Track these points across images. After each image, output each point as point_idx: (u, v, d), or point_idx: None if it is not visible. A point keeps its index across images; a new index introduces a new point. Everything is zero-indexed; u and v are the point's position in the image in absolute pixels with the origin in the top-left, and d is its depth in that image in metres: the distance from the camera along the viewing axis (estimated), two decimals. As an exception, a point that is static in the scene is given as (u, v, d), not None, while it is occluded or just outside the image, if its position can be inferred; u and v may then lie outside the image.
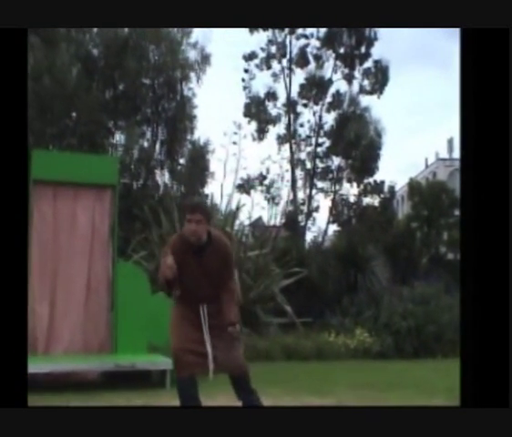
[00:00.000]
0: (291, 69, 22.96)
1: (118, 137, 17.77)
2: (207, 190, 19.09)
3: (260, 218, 19.90)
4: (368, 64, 22.45)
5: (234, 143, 24.03)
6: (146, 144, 17.76)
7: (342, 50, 22.39)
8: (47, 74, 15.80)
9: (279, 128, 23.37)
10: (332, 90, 22.69)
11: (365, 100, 22.66)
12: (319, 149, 22.82)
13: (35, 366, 8.19)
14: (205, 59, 18.08)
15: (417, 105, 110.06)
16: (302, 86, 22.87)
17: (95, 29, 17.77)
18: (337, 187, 22.74)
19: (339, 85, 22.78)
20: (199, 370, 5.50)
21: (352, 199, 22.70)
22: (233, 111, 37.64)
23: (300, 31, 22.44)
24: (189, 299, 5.57)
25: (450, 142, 56.68)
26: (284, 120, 23.25)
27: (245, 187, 22.87)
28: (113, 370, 8.51)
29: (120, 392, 7.88)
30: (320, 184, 22.93)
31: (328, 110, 22.83)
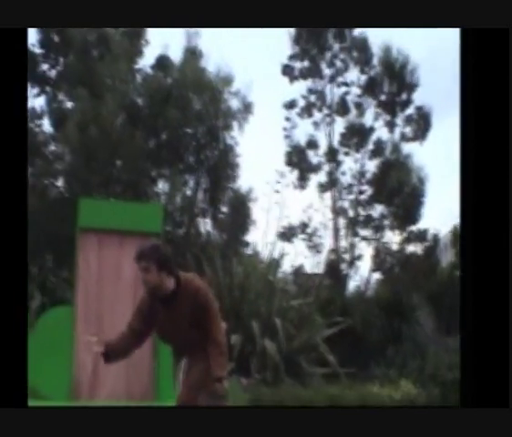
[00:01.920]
0: (331, 117, 23.01)
1: (162, 186, 17.93)
2: (249, 238, 19.14)
3: (302, 267, 19.82)
4: (410, 110, 22.37)
5: (276, 191, 24.15)
6: (189, 192, 17.90)
7: (383, 97, 22.36)
8: (93, 124, 16.07)
9: (320, 176, 23.37)
10: (373, 137, 22.64)
11: (408, 147, 22.53)
12: (361, 197, 22.73)
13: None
14: (247, 108, 18.22)
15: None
16: (343, 134, 22.89)
17: (139, 79, 18.07)
18: (380, 235, 22.56)
19: (380, 132, 22.72)
20: None
21: (395, 247, 22.48)
22: (275, 159, 37.72)
23: (340, 79, 22.53)
24: (172, 351, 5.23)
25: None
26: (326, 168, 23.24)
27: (287, 235, 22.82)
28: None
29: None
30: (362, 232, 22.78)
31: (370, 158, 22.77)
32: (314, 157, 23.32)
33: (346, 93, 22.84)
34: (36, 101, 19.85)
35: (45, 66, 19.46)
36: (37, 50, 18.84)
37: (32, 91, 20.10)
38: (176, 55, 18.47)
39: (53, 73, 19.51)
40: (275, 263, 15.73)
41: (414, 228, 22.13)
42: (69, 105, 18.78)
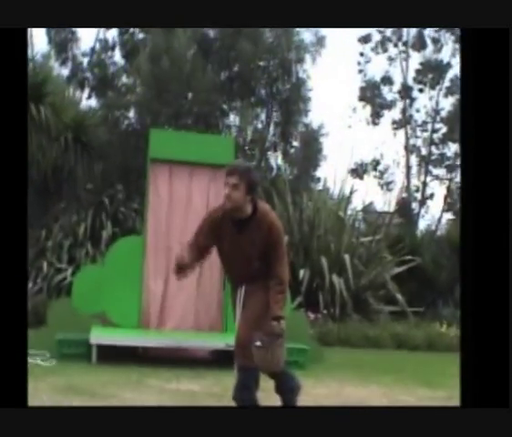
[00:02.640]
0: (407, 53, 22.49)
1: (233, 118, 17.89)
2: (320, 174, 19.01)
3: (372, 204, 19.63)
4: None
5: (349, 127, 23.83)
6: (260, 125, 17.81)
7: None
8: (165, 56, 16.07)
9: (394, 113, 22.99)
10: (449, 74, 22.07)
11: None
12: (435, 135, 22.30)
13: (148, 340, 8.35)
14: (320, 41, 17.92)
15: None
16: (418, 70, 22.38)
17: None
18: (453, 174, 22.14)
19: (457, 69, 22.10)
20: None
21: (468, 188, 22.04)
22: (348, 95, 37.22)
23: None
24: (230, 279, 5.23)
25: None
26: (400, 105, 22.84)
27: (359, 172, 22.65)
28: (223, 350, 8.56)
29: (228, 371, 7.90)
30: (435, 171, 22.42)
31: (445, 95, 22.23)
32: (388, 93, 22.95)
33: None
34: (108, 33, 19.96)
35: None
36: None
37: (105, 22, 20.20)
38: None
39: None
40: (346, 199, 15.62)
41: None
42: (141, 36, 18.82)
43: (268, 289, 4.93)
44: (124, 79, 18.92)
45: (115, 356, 7.88)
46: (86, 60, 19.91)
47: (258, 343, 4.81)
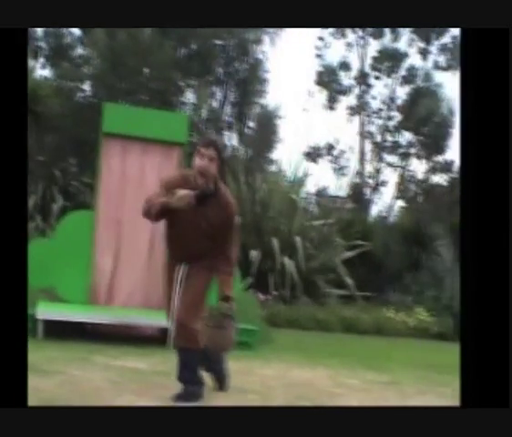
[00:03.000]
0: (365, 40, 22.61)
1: (189, 96, 17.78)
2: (274, 156, 19.03)
3: (325, 188, 19.75)
4: (445, 39, 21.94)
5: (305, 110, 23.89)
6: (215, 104, 17.74)
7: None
8: (123, 29, 15.88)
9: (350, 99, 23.12)
10: (406, 64, 22.27)
11: (440, 76, 22.18)
12: (389, 123, 22.50)
13: (96, 317, 8.28)
14: (279, 23, 17.87)
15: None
16: (375, 57, 22.53)
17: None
18: (406, 162, 22.39)
19: (414, 59, 22.31)
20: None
21: (420, 177, 22.32)
22: (305, 78, 37.26)
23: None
24: (173, 255, 5.03)
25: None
26: (356, 91, 22.96)
27: (313, 155, 22.73)
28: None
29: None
30: (388, 158, 22.63)
31: (401, 84, 22.44)
32: (345, 78, 23.05)
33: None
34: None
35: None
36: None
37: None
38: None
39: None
40: (299, 182, 15.67)
41: (440, 158, 21.92)
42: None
43: (211, 270, 4.93)
44: (80, 50, 18.65)
45: (62, 332, 7.80)
46: (40, 29, 19.57)
47: (211, 323, 4.83)
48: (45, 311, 7.98)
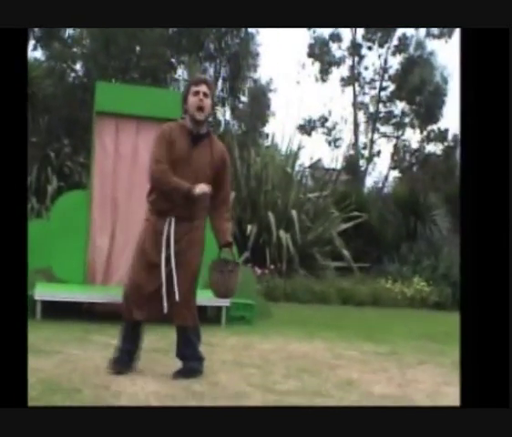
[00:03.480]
0: (357, 10, 22.50)
1: (181, 73, 17.70)
2: (268, 129, 18.98)
3: (320, 160, 19.73)
4: (437, 6, 21.83)
5: (297, 83, 23.79)
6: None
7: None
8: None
9: (342, 70, 23.06)
10: (398, 33, 22.17)
11: (432, 44, 22.11)
12: (383, 93, 22.47)
13: (93, 296, 8.29)
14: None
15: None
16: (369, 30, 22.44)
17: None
18: (400, 132, 22.37)
19: (406, 28, 22.22)
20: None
21: (414, 146, 22.31)
22: (297, 51, 37.12)
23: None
24: (163, 208, 4.83)
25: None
26: (348, 62, 22.90)
27: (306, 128, 22.69)
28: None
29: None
30: (382, 129, 22.62)
31: (393, 53, 22.35)
32: (337, 50, 22.97)
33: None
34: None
35: None
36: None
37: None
38: None
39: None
40: (293, 155, 15.64)
41: (434, 127, 21.90)
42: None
43: (201, 231, 4.90)
44: (70, 31, 18.53)
45: (59, 312, 7.81)
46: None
47: (221, 268, 4.85)
48: (42, 292, 7.99)
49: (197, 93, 4.78)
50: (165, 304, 4.83)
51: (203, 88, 4.80)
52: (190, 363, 5.01)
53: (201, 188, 4.65)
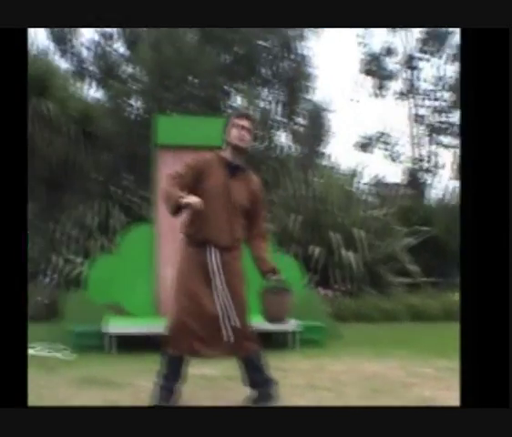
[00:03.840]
0: (409, 22, 22.32)
1: (237, 100, 17.80)
2: (327, 150, 18.91)
3: (381, 177, 19.56)
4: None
5: (352, 100, 23.72)
6: (264, 105, 17.71)
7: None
8: (167, 42, 16.00)
9: (398, 84, 22.87)
10: (452, 41, 21.88)
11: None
12: (440, 103, 22.16)
13: (162, 328, 8.32)
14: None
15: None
16: (420, 39, 22.23)
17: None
18: (459, 141, 22.01)
19: (459, 36, 21.90)
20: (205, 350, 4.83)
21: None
22: (351, 68, 37.05)
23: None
24: (203, 238, 4.78)
25: None
26: (403, 75, 22.70)
27: (365, 145, 22.55)
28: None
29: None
30: (442, 139, 22.28)
31: (448, 62, 22.08)
32: (391, 63, 22.81)
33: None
34: (108, 23, 19.86)
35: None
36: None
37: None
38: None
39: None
40: (354, 174, 15.55)
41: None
42: (141, 24, 18.73)
43: (240, 261, 4.90)
44: (127, 68, 18.87)
45: (130, 345, 7.89)
46: (87, 52, 19.85)
47: (273, 293, 4.81)
48: (113, 326, 8.09)
49: (239, 126, 4.84)
50: (228, 333, 4.79)
51: (246, 123, 4.86)
52: (266, 389, 4.98)
53: (190, 199, 4.59)
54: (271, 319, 4.95)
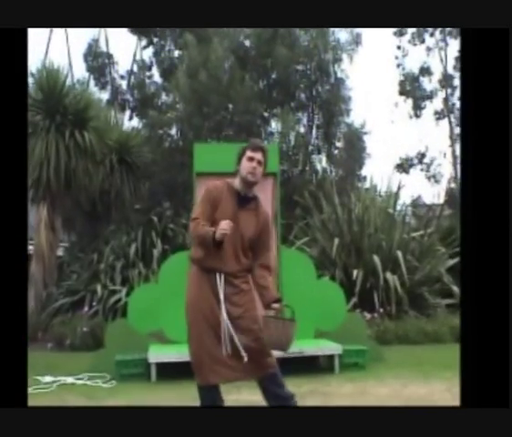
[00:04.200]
0: (445, 41, 22.22)
1: (274, 125, 17.86)
2: (366, 172, 18.85)
3: (421, 197, 19.41)
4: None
5: (392, 122, 23.62)
6: (302, 129, 17.74)
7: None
8: (203, 69, 16.13)
9: (436, 104, 22.77)
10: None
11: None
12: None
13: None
14: (356, 39, 17.80)
15: None
16: (457, 57, 22.11)
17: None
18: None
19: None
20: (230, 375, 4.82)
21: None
22: (388, 90, 36.94)
23: None
24: (212, 265, 4.82)
25: None
26: (441, 95, 22.58)
27: (404, 166, 22.43)
28: (281, 357, 8.51)
29: (289, 379, 7.84)
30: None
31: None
32: (428, 84, 22.71)
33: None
34: (145, 53, 20.13)
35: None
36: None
37: (140, 43, 20.40)
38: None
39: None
40: (394, 195, 15.44)
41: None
42: (177, 53, 18.94)
43: (247, 279, 4.91)
44: (164, 97, 19.06)
45: (174, 373, 7.89)
46: (124, 82, 20.13)
47: (275, 324, 4.74)
48: (156, 355, 8.11)
49: (252, 159, 4.84)
50: (243, 354, 4.76)
51: (258, 156, 4.85)
52: (292, 402, 4.94)
53: (221, 230, 4.60)
54: (273, 347, 4.90)
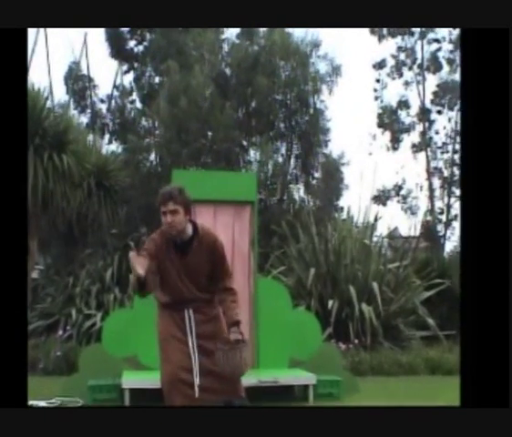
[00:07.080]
0: (423, 76, 22.48)
1: (253, 154, 17.92)
2: (343, 203, 18.92)
3: (397, 229, 19.52)
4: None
5: (369, 154, 23.83)
6: (280, 159, 17.82)
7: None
8: (183, 96, 16.18)
9: (413, 137, 22.96)
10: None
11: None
12: (456, 156, 22.18)
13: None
14: (335, 70, 17.96)
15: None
16: (435, 92, 22.37)
17: (225, 49, 18.08)
18: (477, 194, 21.96)
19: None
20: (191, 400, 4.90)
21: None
22: (366, 122, 37.28)
23: (431, 35, 21.97)
24: (174, 305, 5.00)
25: None
26: (419, 128, 22.80)
27: (381, 198, 22.56)
28: (256, 386, 8.50)
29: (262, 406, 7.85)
30: (458, 192, 22.26)
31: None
32: (406, 117, 22.92)
33: (438, 49, 22.28)
34: (125, 78, 20.17)
35: (131, 43, 19.75)
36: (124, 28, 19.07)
37: (121, 68, 20.43)
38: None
39: (139, 48, 19.78)
40: (370, 227, 15.53)
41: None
42: (157, 79, 18.99)
43: (215, 305, 5.02)
44: (143, 122, 19.06)
45: (147, 399, 7.84)
46: (104, 106, 20.10)
47: (227, 348, 4.82)
48: (130, 381, 8.07)
49: (164, 213, 4.83)
50: (195, 385, 4.88)
51: (170, 207, 4.79)
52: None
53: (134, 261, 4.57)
54: (225, 374, 4.92)
